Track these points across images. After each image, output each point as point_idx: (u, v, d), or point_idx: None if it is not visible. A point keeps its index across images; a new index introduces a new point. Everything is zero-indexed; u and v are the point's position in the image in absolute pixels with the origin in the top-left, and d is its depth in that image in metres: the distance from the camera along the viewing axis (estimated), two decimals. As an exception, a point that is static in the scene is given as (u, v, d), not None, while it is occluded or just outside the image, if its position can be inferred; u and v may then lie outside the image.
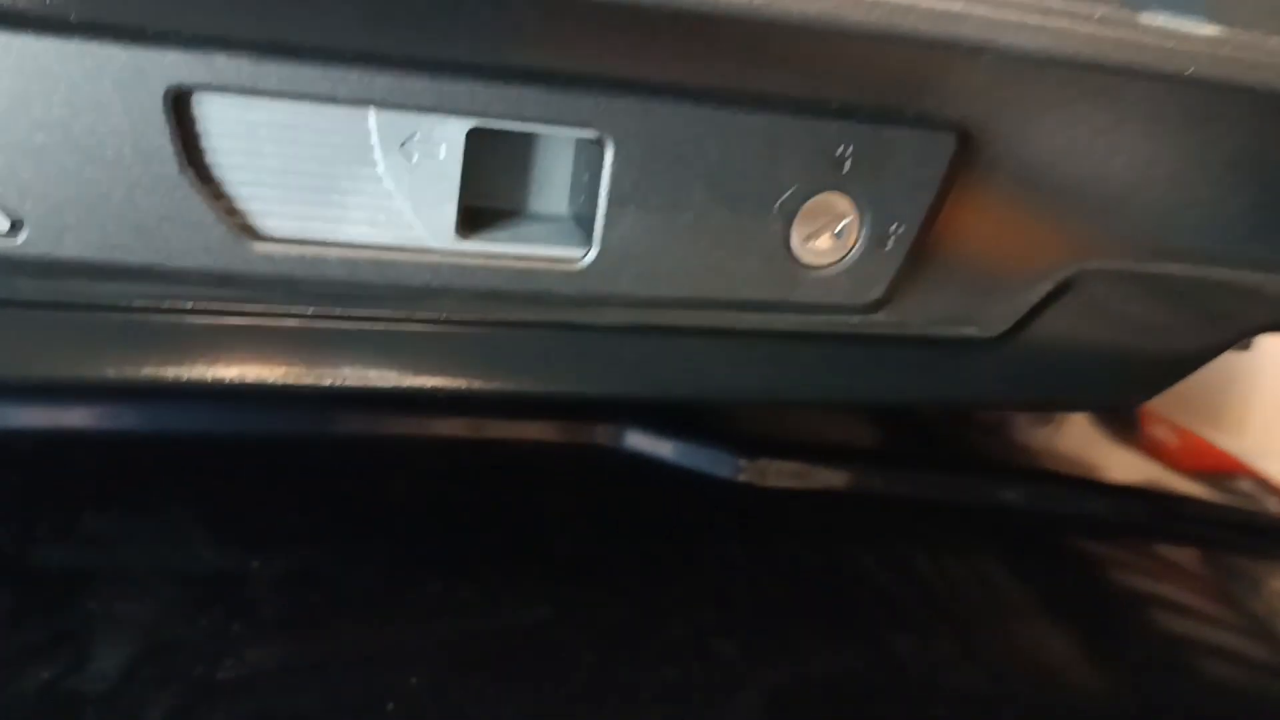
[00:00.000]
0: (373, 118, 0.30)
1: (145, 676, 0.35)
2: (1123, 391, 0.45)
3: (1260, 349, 1.00)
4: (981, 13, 0.30)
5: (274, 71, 0.28)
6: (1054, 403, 0.54)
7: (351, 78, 0.29)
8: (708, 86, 0.31)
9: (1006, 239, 0.37)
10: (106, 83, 0.27)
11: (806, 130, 0.32)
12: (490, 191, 0.34)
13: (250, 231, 0.30)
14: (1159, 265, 0.39)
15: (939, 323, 0.38)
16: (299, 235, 0.31)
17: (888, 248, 0.35)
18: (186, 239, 0.29)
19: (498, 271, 0.32)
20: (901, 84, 0.32)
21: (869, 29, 0.30)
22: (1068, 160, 0.35)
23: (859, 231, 0.34)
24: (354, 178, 0.31)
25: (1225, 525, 0.63)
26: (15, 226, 0.28)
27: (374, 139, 0.30)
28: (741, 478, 0.53)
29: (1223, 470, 0.75)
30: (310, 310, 0.33)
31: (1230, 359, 0.56)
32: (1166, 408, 0.81)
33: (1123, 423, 0.78)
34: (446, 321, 0.35)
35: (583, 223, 0.33)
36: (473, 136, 0.31)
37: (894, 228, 0.34)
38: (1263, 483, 0.72)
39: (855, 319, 0.37)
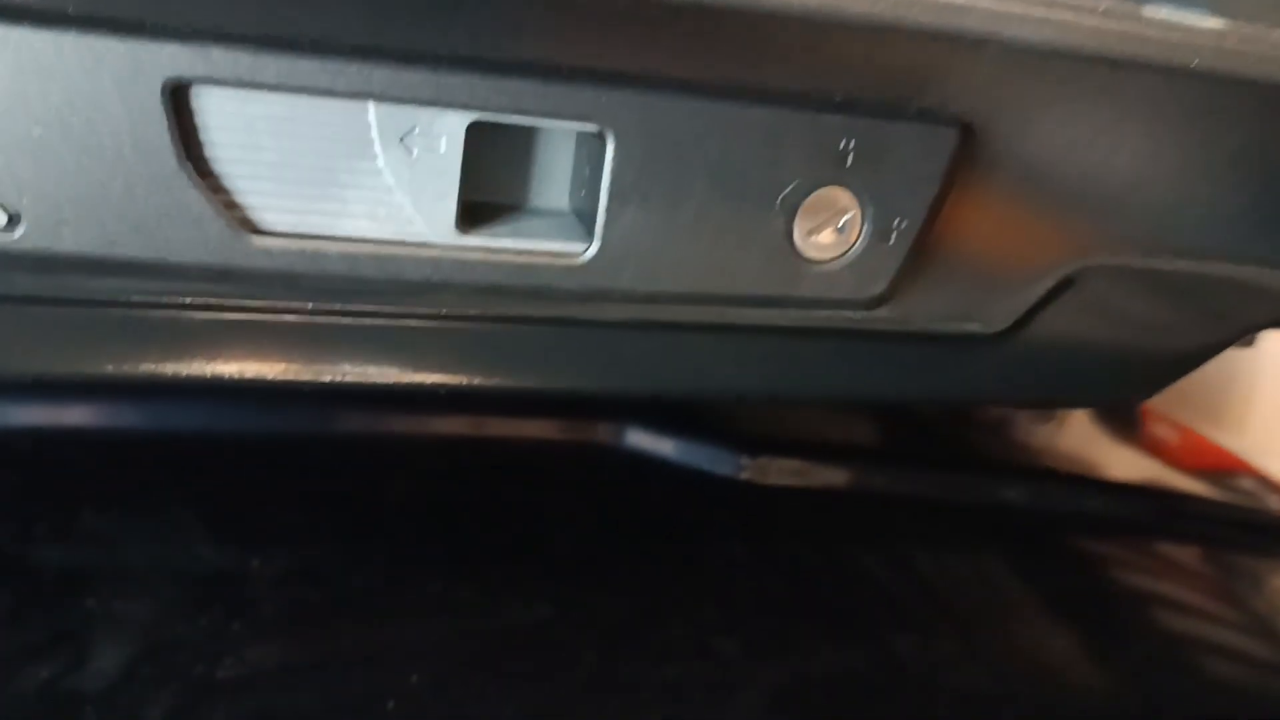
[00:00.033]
0: (372, 111, 0.30)
1: (145, 675, 0.35)
2: (1125, 388, 0.44)
3: (1261, 348, 1.00)
4: (985, 5, 0.30)
5: (273, 64, 0.28)
6: (1056, 399, 0.54)
7: (351, 71, 0.28)
8: (710, 79, 0.31)
9: (1010, 234, 0.37)
10: (104, 76, 0.27)
11: (809, 124, 0.32)
12: (491, 186, 0.34)
13: (249, 226, 0.30)
14: (1163, 261, 0.39)
15: (942, 319, 0.38)
16: (298, 229, 0.31)
17: (890, 243, 0.34)
18: (185, 233, 0.29)
19: (498, 266, 0.32)
20: (904, 77, 0.32)
21: (872, 21, 0.30)
22: (1071, 155, 0.35)
23: (861, 226, 0.34)
24: (353, 172, 0.30)
25: (1226, 523, 0.63)
26: (12, 221, 0.28)
27: (374, 132, 0.30)
28: (743, 476, 0.53)
29: (1224, 468, 0.75)
30: (310, 305, 0.33)
31: (1231, 357, 0.56)
32: (1168, 406, 0.81)
33: (1124, 421, 0.78)
34: (446, 317, 0.35)
35: (584, 217, 0.33)
36: (473, 130, 0.30)
37: (897, 222, 0.34)
38: (1264, 481, 0.72)
39: (858, 315, 0.37)
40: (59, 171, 0.28)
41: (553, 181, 0.35)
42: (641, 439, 0.53)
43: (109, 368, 0.33)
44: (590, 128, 0.31)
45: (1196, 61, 0.32)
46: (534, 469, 0.52)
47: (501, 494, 0.49)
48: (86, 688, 0.34)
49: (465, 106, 0.30)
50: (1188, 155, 0.36)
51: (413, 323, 0.34)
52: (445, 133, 0.30)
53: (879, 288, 0.35)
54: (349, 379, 0.35)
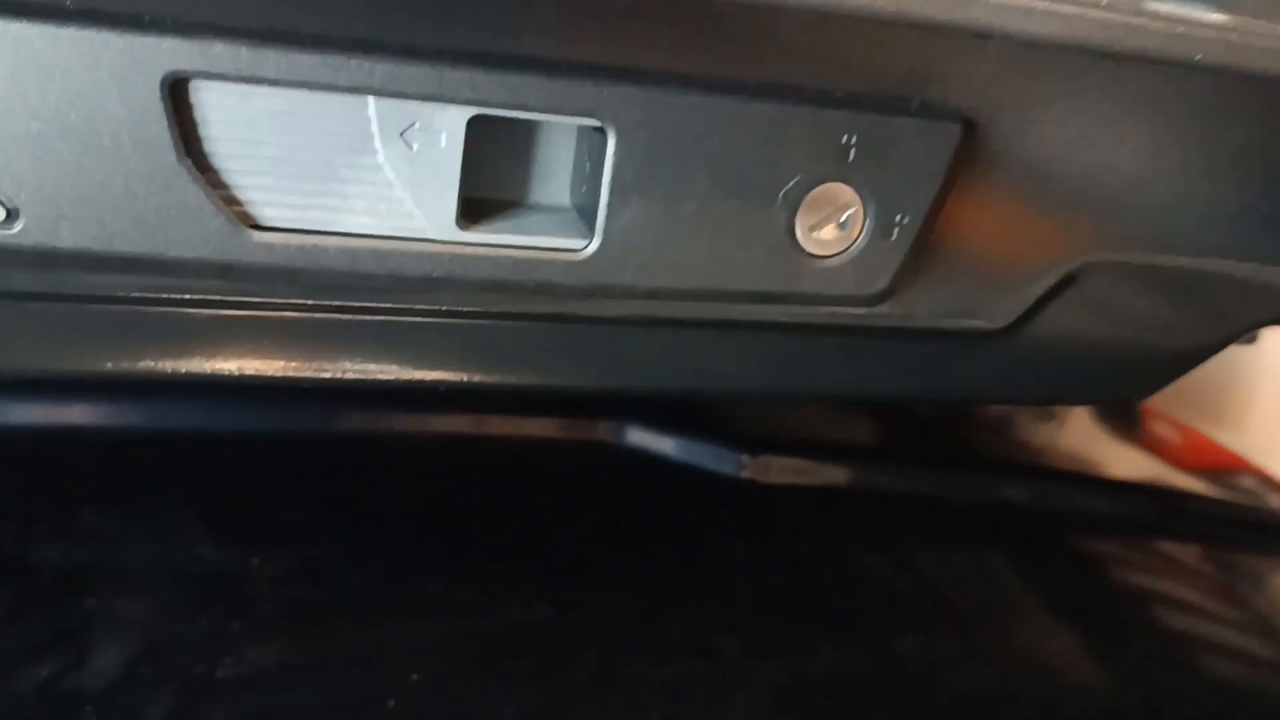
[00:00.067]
0: (372, 106, 0.30)
1: (144, 675, 0.35)
2: (1126, 386, 0.44)
3: (1262, 347, 1.00)
4: (988, -2, 0.30)
5: (272, 59, 0.28)
6: (1058, 397, 0.54)
7: (351, 65, 0.28)
8: (711, 74, 0.31)
9: (1013, 230, 0.37)
10: (103, 70, 0.27)
11: (811, 119, 0.32)
12: (491, 181, 0.34)
13: (249, 221, 0.30)
14: (1165, 258, 0.39)
15: (944, 315, 0.38)
16: (298, 225, 0.30)
17: (893, 238, 0.34)
18: (184, 229, 0.29)
19: (499, 262, 0.32)
20: (907, 72, 0.32)
21: (874, 14, 0.30)
22: (1074, 150, 0.35)
23: (864, 222, 0.34)
24: (353, 167, 0.30)
25: (1227, 522, 0.63)
26: (11, 216, 0.28)
27: (374, 127, 0.30)
28: (744, 474, 0.53)
29: (1225, 467, 0.75)
30: (309, 302, 0.33)
31: (1232, 356, 0.56)
32: (1169, 405, 0.81)
33: (1125, 420, 0.78)
34: (447, 313, 0.34)
35: (585, 213, 0.33)
36: (474, 125, 0.30)
37: (899, 218, 0.34)
38: (1265, 479, 0.72)
39: (860, 311, 0.36)
40: (58, 166, 0.28)
41: (553, 177, 0.34)
42: (642, 437, 0.53)
43: (108, 365, 0.33)
44: (591, 123, 0.31)
45: (1200, 56, 0.32)
46: (535, 467, 0.52)
47: (502, 493, 0.49)
48: (86, 687, 0.34)
49: (466, 101, 0.30)
50: (1191, 151, 0.36)
51: (413, 319, 0.34)
52: (446, 128, 0.30)
53: (881, 284, 0.35)
54: (349, 376, 0.34)
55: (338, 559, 0.42)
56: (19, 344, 0.32)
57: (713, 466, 0.53)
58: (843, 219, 0.34)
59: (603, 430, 0.53)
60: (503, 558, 0.44)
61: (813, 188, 0.33)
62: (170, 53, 0.27)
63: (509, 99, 0.30)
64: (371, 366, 0.35)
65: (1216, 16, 0.32)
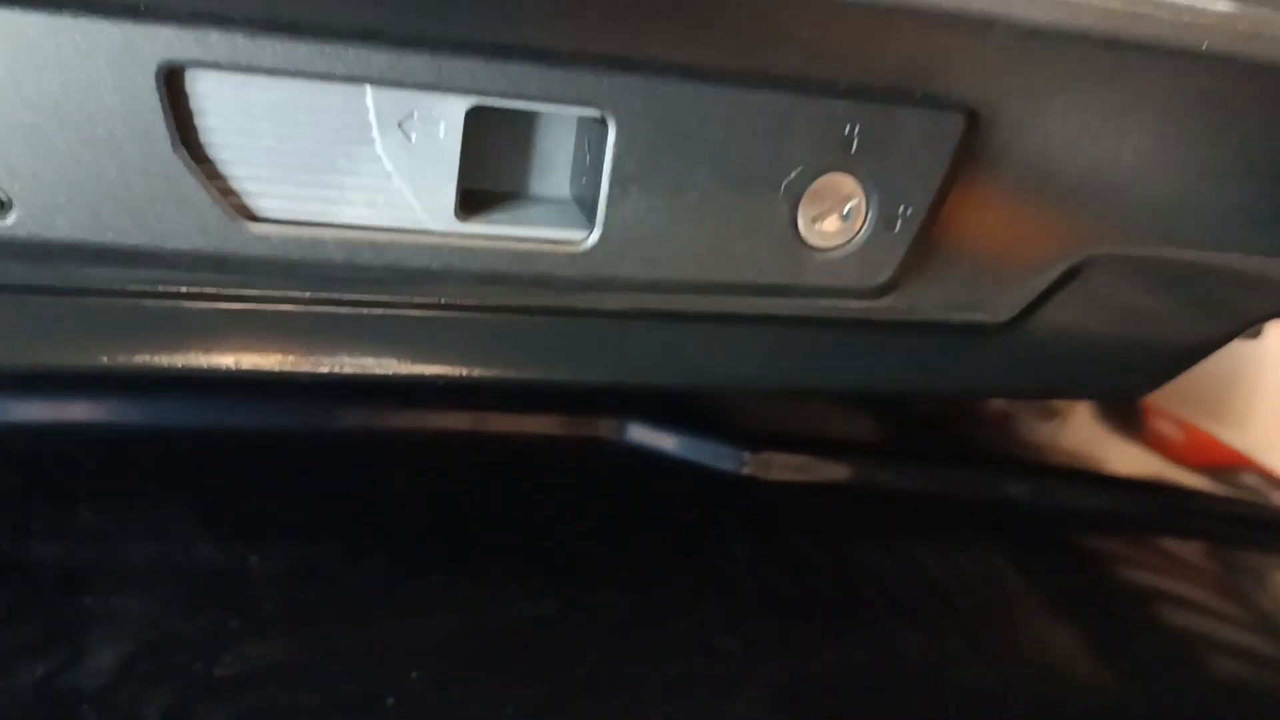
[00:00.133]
0: (370, 96, 0.29)
1: (143, 673, 0.34)
2: (1131, 379, 0.44)
3: (1265, 343, 1.00)
4: (992, -14, 0.30)
5: (269, 48, 0.28)
6: (1061, 391, 0.54)
7: (348, 55, 0.28)
8: (713, 64, 0.31)
9: (1016, 222, 0.37)
10: (98, 59, 0.27)
11: (813, 109, 0.32)
12: (491, 172, 0.33)
13: (245, 213, 0.30)
14: (1172, 250, 0.38)
15: (947, 308, 0.38)
16: (295, 216, 0.30)
17: (896, 230, 0.34)
18: (180, 220, 0.29)
19: (498, 254, 0.32)
20: (910, 61, 0.32)
21: (876, 3, 0.29)
22: (1080, 141, 0.35)
23: (866, 213, 0.34)
24: (351, 158, 0.30)
25: (1230, 520, 0.63)
26: (4, 207, 0.28)
27: (371, 117, 0.30)
28: (745, 471, 0.53)
29: (1227, 465, 0.75)
30: (307, 294, 0.33)
31: (1235, 353, 0.56)
32: (1171, 402, 0.81)
33: (1127, 417, 0.77)
34: (446, 306, 0.34)
35: (585, 204, 0.33)
36: (472, 115, 0.30)
37: (902, 209, 0.34)
38: (1268, 477, 0.72)
39: (862, 304, 0.36)
40: (52, 157, 0.28)
41: (553, 168, 0.34)
42: (643, 434, 0.53)
43: (103, 359, 0.32)
44: (591, 113, 0.31)
45: (1206, 44, 0.32)
46: (535, 464, 0.52)
47: (502, 490, 0.49)
48: (84, 686, 0.34)
49: (465, 91, 0.30)
50: (1198, 142, 0.35)
51: (411, 312, 0.34)
52: (444, 118, 0.30)
53: (884, 276, 0.35)
54: (347, 370, 0.34)
55: (337, 557, 0.42)
56: (13, 338, 0.32)
57: (714, 463, 0.53)
58: (845, 210, 0.34)
59: (603, 427, 0.53)
60: (502, 556, 0.44)
61: (815, 179, 0.33)
62: (165, 41, 0.27)
63: (508, 89, 0.30)
64: (369, 361, 0.34)
65: (1223, 4, 0.32)
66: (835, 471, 0.55)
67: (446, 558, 0.43)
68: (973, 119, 0.33)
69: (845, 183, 0.33)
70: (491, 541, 0.45)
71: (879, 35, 0.31)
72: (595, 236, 0.32)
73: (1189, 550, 0.58)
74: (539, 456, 0.52)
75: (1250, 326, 0.45)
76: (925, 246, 0.35)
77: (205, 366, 0.33)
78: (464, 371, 0.36)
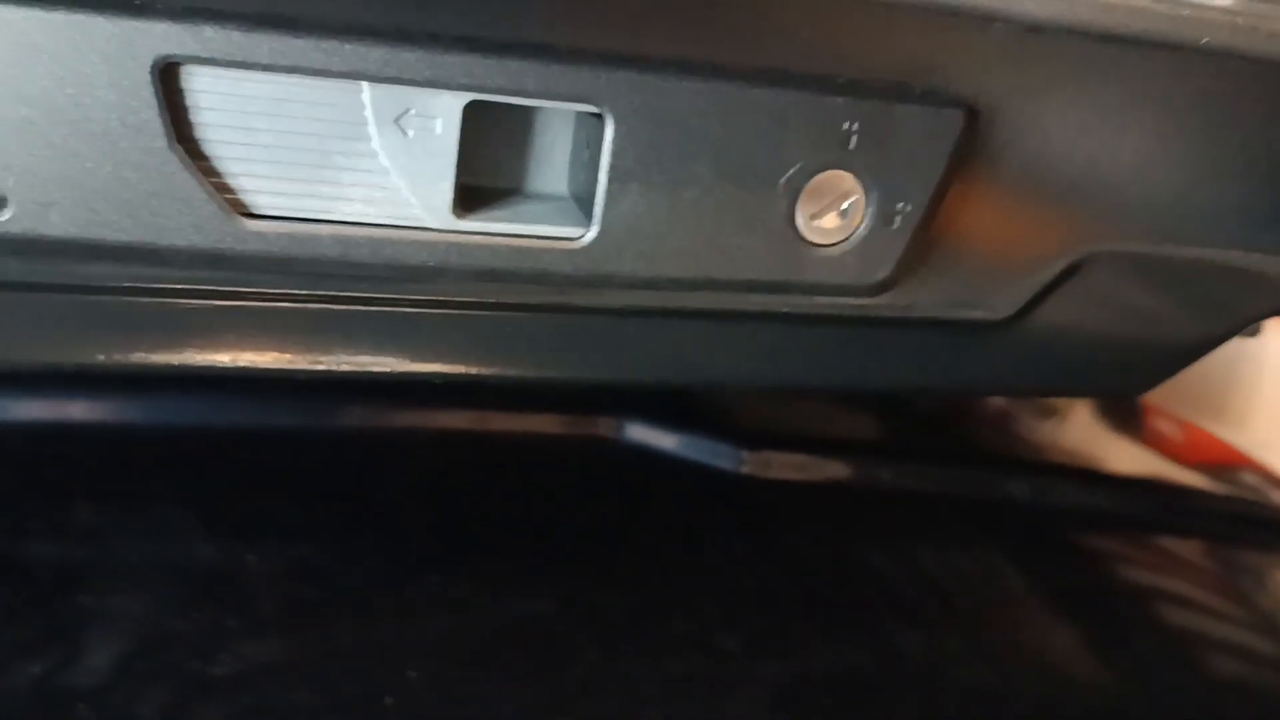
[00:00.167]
0: (367, 92, 0.29)
1: (139, 672, 0.34)
2: (1131, 377, 0.44)
3: (1264, 342, 1.00)
4: (991, -19, 0.30)
5: (265, 43, 0.28)
6: (1060, 389, 0.54)
7: (345, 50, 0.28)
8: (711, 59, 0.31)
9: (1016, 219, 0.37)
10: (93, 55, 0.27)
11: (812, 105, 0.32)
12: (488, 168, 0.33)
13: (241, 209, 0.30)
14: (1171, 248, 0.38)
15: (946, 305, 0.38)
16: (291, 213, 0.30)
17: (894, 227, 0.34)
18: (176, 217, 0.29)
19: (495, 251, 0.32)
20: (909, 57, 0.32)
21: None
22: (1078, 137, 0.35)
23: (865, 210, 0.34)
24: (348, 154, 0.30)
25: (1229, 518, 0.63)
26: (-1, 204, 0.28)
27: (368, 113, 0.30)
28: (744, 470, 0.53)
29: (1227, 463, 0.75)
30: (303, 291, 0.33)
31: (1234, 351, 0.56)
32: (1170, 401, 0.81)
33: (1126, 416, 0.77)
34: (443, 303, 0.34)
35: (582, 201, 0.33)
36: (470, 111, 0.30)
37: (901, 206, 0.34)
38: (1267, 475, 0.72)
39: (861, 301, 0.36)
40: (47, 153, 0.28)
41: (551, 164, 0.34)
42: (642, 433, 0.53)
43: (99, 356, 0.32)
44: (589, 109, 0.31)
45: (1207, 40, 0.32)
46: (534, 463, 0.52)
47: (500, 489, 0.49)
48: (80, 684, 0.34)
49: (462, 87, 0.29)
50: (1198, 138, 0.35)
51: (408, 309, 0.34)
52: (441, 114, 0.30)
53: (883, 273, 0.35)
54: (343, 367, 0.34)
55: (334, 555, 0.42)
56: (8, 335, 0.32)
57: (712, 462, 0.53)
58: (844, 207, 0.33)
59: (602, 426, 0.53)
60: (501, 554, 0.44)
61: (814, 175, 0.33)
62: (161, 37, 0.27)
63: (505, 84, 0.29)
64: (366, 358, 0.34)
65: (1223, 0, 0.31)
66: (834, 470, 0.55)
67: (444, 556, 0.43)
68: (972, 115, 0.33)
69: (844, 179, 0.33)
70: (489, 540, 0.45)
71: (878, 31, 0.31)
72: (593, 233, 0.32)
73: (1189, 549, 0.58)
74: (537, 455, 0.52)
75: (1249, 324, 0.45)
76: (924, 243, 0.35)
77: (201, 364, 0.33)
78: (462, 369, 0.35)
